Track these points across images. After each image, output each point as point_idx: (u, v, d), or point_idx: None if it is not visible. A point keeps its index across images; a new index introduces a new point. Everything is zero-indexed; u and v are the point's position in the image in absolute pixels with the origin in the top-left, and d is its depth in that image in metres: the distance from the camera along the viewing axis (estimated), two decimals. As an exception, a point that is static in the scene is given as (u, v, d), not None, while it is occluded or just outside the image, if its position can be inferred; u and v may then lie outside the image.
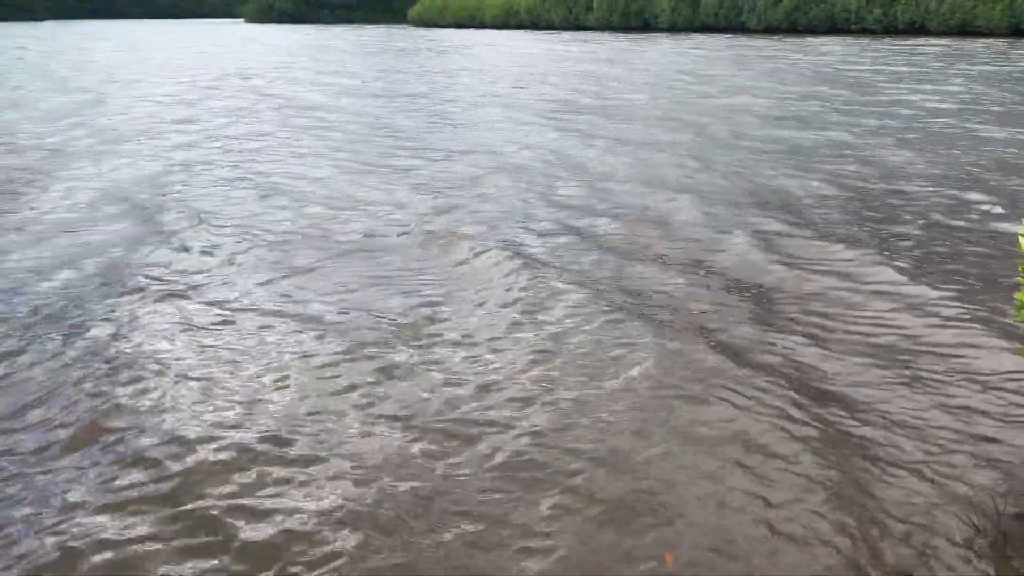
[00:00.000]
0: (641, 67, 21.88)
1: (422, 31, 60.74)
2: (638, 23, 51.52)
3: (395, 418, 3.07)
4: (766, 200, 6.61)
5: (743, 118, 11.51)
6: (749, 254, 5.13)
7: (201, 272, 4.86)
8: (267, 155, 9.17)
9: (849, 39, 34.47)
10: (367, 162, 8.63)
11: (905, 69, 19.11)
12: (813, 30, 41.35)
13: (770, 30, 43.28)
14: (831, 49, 27.56)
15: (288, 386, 3.33)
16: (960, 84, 15.38)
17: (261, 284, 4.64)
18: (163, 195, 7.10)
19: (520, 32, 54.26)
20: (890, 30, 37.29)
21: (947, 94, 13.80)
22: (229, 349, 3.71)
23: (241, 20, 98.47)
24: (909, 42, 30.43)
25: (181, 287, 4.58)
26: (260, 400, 3.22)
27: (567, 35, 47.66)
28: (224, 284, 4.65)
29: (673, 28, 48.77)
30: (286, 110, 13.66)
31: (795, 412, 3.06)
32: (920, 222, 5.81)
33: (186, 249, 5.33)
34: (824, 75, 18.10)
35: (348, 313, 4.16)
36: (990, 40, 30.44)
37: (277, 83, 18.90)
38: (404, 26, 73.28)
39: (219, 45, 40.03)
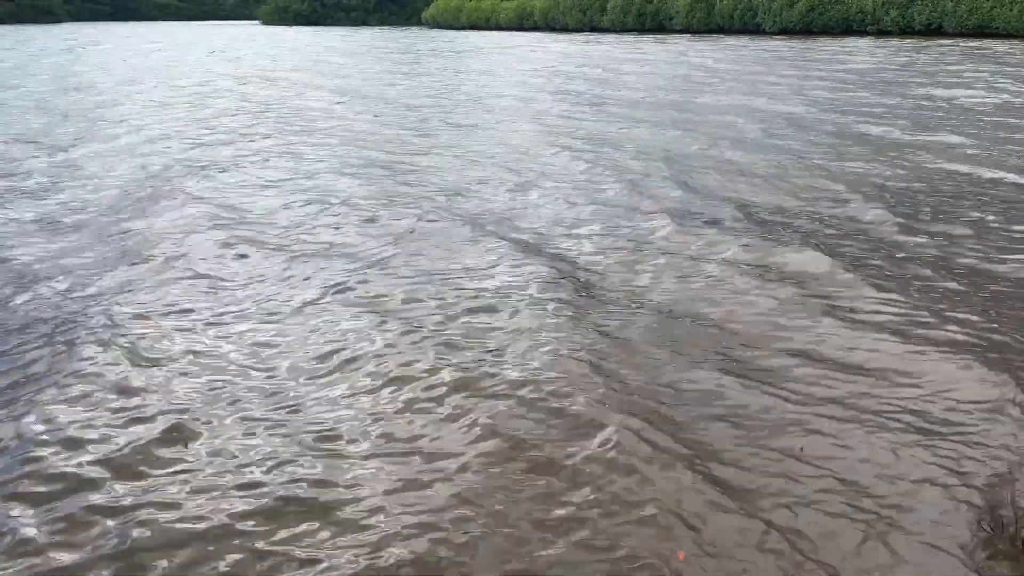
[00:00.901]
0: (688, 68, 22.44)
1: (441, 33, 61.18)
2: (653, 24, 51.86)
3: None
4: (848, 190, 7.32)
5: (807, 116, 12.28)
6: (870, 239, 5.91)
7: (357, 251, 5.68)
8: (394, 143, 10.32)
9: (871, 40, 34.76)
10: (480, 160, 9.36)
11: (945, 69, 19.62)
12: (828, 31, 41.57)
13: (785, 31, 43.53)
14: (867, 50, 28.15)
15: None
16: (1010, 83, 16.01)
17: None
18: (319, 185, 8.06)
19: (537, 34, 54.71)
20: (907, 31, 37.56)
21: (1003, 92, 14.44)
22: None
23: (256, 22, 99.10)
24: (938, 43, 30.76)
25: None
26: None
27: (588, 36, 48.08)
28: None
29: (687, 29, 49.06)
30: (384, 106, 14.65)
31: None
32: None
33: (339, 226, 6.26)
34: (870, 75, 18.78)
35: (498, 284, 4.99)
36: (1012, 41, 30.69)
37: (363, 81, 20.01)
38: (419, 28, 73.78)
39: (266, 46, 40.89)
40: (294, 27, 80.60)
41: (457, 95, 16.17)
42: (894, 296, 4.52)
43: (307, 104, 14.97)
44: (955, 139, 9.60)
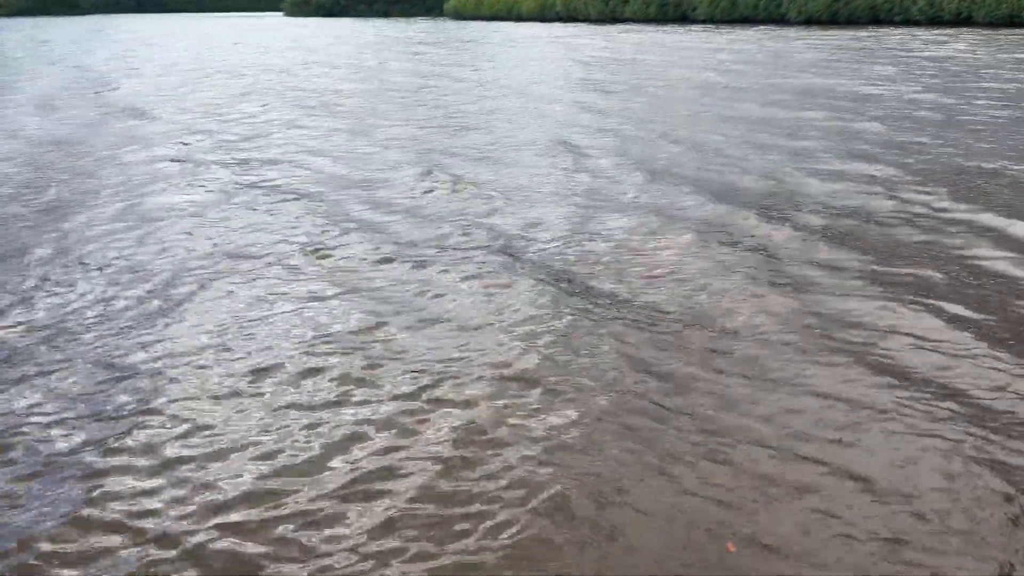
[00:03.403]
0: (744, 59, 22.05)
1: (467, 24, 60.99)
2: (675, 15, 51.50)
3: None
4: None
5: (891, 104, 12.43)
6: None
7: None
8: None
9: (905, 30, 34.22)
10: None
11: (992, 59, 19.22)
12: (854, 21, 41.06)
13: (810, 22, 43.05)
14: (910, 38, 27.53)
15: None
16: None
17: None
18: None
19: (559, 25, 54.48)
20: (935, 21, 37.01)
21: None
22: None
23: (279, 14, 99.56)
24: (983, 33, 30.14)
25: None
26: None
27: (615, 28, 47.49)
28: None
29: (711, 19, 48.62)
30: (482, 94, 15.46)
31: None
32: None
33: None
34: (927, 63, 18.48)
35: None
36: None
37: (452, 70, 20.56)
38: (443, 19, 73.60)
39: (318, 38, 41.77)
40: (312, 18, 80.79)
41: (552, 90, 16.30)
42: None
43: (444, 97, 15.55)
44: None
